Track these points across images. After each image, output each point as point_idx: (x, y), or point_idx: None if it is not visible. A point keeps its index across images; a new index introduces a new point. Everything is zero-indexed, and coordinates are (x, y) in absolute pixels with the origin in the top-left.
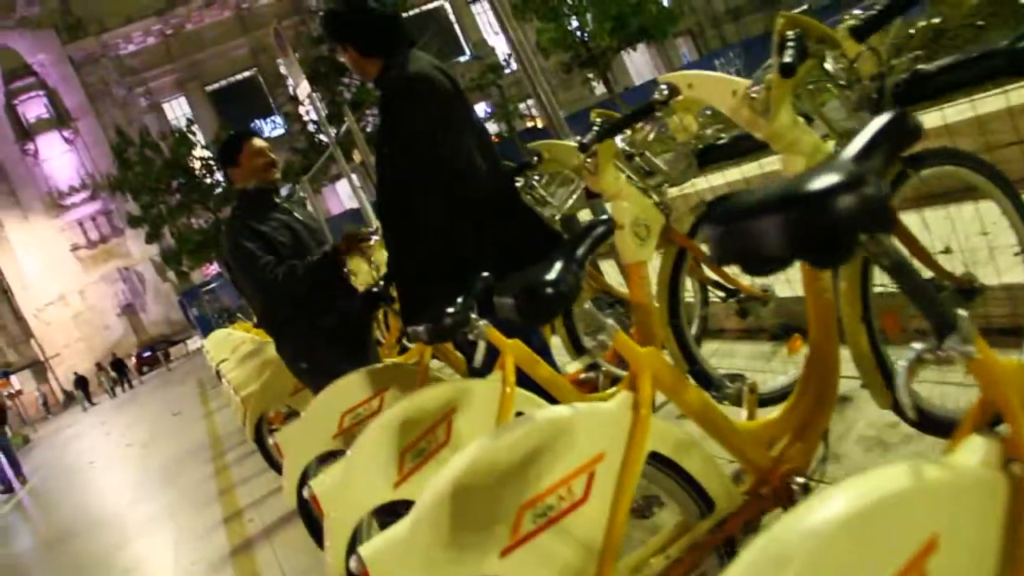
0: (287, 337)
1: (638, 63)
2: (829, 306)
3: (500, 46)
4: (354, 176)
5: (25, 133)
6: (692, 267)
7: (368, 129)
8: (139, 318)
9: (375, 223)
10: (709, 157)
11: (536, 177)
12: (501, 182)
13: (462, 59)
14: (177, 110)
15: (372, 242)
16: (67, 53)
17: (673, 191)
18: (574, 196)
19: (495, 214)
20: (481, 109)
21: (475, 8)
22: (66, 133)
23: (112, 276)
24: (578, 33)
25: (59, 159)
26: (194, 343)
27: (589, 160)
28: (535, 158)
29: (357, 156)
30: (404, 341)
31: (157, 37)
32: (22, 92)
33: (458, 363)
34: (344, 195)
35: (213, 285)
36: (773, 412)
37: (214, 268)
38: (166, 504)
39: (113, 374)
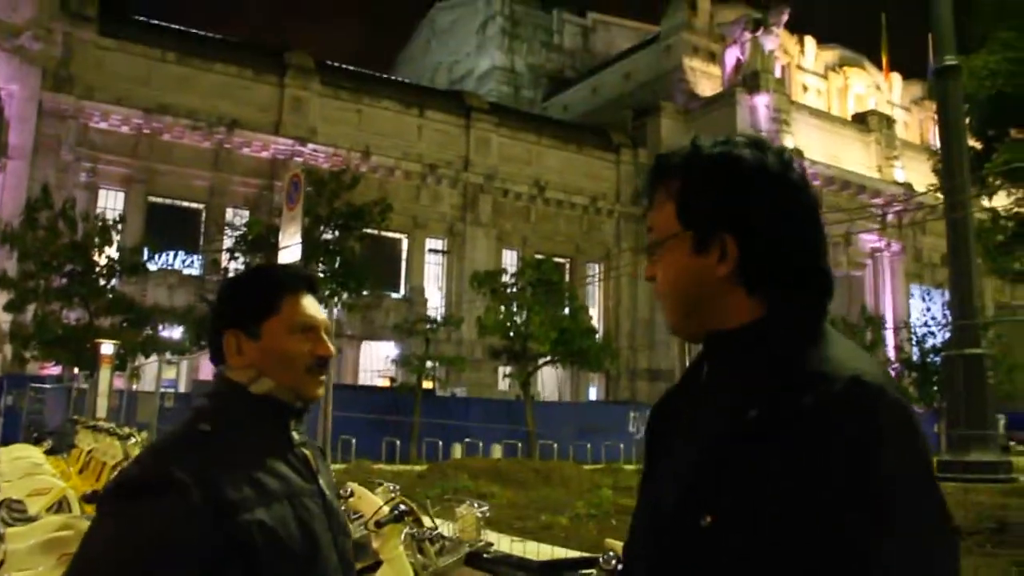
0: None
1: (547, 377)
2: None
3: (435, 300)
4: None
5: None
6: None
7: None
8: None
9: None
10: None
11: None
12: None
13: (394, 295)
14: (110, 202)
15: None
16: (41, 97)
17: None
18: None
19: None
20: (391, 348)
21: (429, 258)
22: None
23: None
24: (521, 327)
25: None
26: None
27: None
28: None
29: None
30: None
31: (132, 129)
32: None
33: None
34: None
35: (47, 387)
36: None
37: (56, 370)
38: None
39: None
